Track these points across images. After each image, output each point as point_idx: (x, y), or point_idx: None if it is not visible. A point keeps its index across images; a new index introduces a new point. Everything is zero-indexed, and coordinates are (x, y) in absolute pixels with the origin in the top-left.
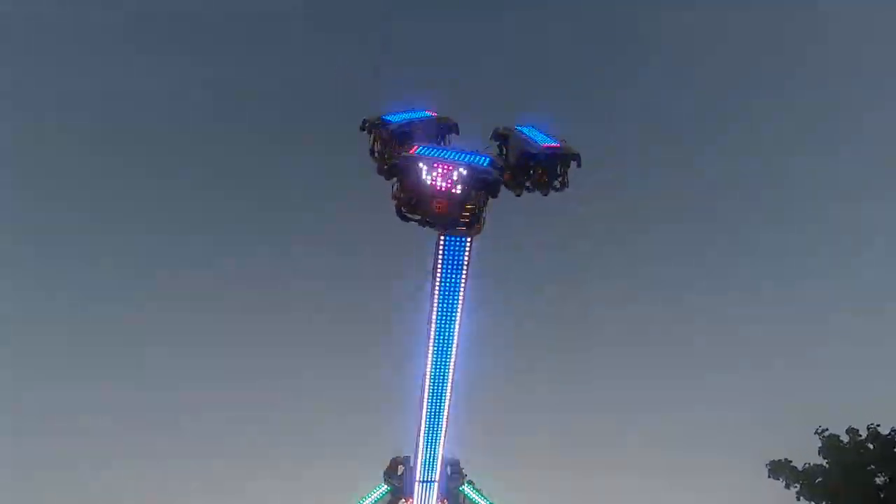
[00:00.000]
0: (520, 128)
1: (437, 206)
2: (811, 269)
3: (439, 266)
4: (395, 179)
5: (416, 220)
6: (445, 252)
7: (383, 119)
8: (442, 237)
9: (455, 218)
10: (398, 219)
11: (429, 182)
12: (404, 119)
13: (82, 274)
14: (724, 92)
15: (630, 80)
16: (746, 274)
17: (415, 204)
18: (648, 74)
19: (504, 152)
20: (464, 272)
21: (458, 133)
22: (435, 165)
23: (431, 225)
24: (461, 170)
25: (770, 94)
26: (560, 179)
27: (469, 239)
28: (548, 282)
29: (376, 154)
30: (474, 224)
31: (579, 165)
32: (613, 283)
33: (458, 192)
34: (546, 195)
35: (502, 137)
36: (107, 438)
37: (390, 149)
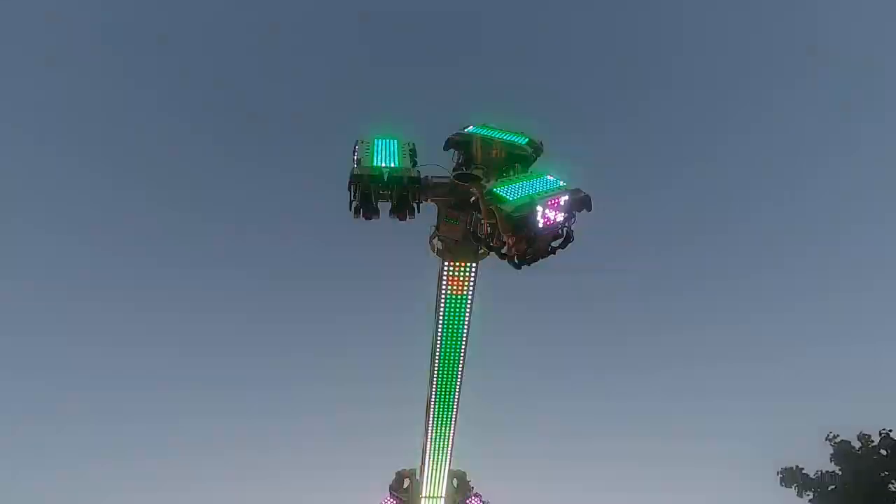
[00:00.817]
0: (477, 129)
1: (545, 238)
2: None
3: (443, 292)
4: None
5: (528, 263)
6: (452, 276)
7: (381, 167)
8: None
9: (549, 242)
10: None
11: (542, 222)
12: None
13: None
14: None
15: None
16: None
17: (528, 247)
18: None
19: (461, 159)
20: (469, 297)
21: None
22: (548, 201)
23: (551, 254)
24: (565, 196)
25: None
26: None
27: (475, 264)
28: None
29: (360, 209)
30: (569, 241)
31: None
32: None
33: (562, 218)
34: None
35: (463, 145)
36: None
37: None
